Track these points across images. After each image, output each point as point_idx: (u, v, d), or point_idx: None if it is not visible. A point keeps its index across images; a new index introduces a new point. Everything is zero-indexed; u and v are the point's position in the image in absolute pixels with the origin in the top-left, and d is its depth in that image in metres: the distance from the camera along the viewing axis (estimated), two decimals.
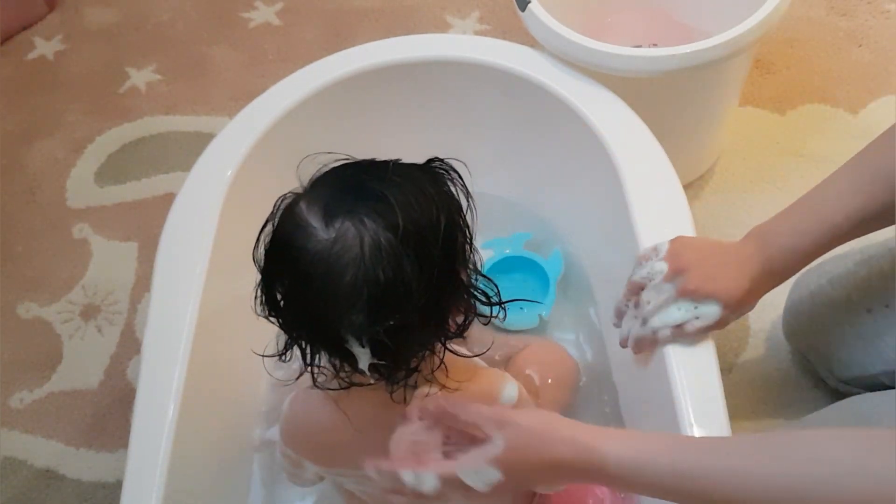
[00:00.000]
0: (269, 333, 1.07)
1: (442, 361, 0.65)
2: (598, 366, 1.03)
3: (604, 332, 1.05)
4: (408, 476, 0.61)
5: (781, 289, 1.05)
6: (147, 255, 1.31)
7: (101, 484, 1.11)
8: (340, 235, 0.57)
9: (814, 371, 1.05)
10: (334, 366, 0.64)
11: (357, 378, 0.64)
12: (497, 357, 0.97)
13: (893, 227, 0.75)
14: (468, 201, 0.64)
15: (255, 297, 0.63)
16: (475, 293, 0.66)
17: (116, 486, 0.90)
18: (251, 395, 0.99)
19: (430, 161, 0.64)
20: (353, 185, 0.60)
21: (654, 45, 1.30)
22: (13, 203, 1.42)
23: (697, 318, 0.74)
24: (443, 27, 1.58)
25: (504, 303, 0.68)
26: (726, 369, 1.11)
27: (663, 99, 1.10)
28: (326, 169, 0.62)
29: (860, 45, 1.46)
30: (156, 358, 0.81)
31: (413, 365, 0.63)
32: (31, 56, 1.64)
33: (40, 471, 1.13)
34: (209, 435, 0.87)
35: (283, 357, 0.66)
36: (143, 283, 1.30)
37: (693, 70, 1.01)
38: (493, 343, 0.76)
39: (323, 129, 1.02)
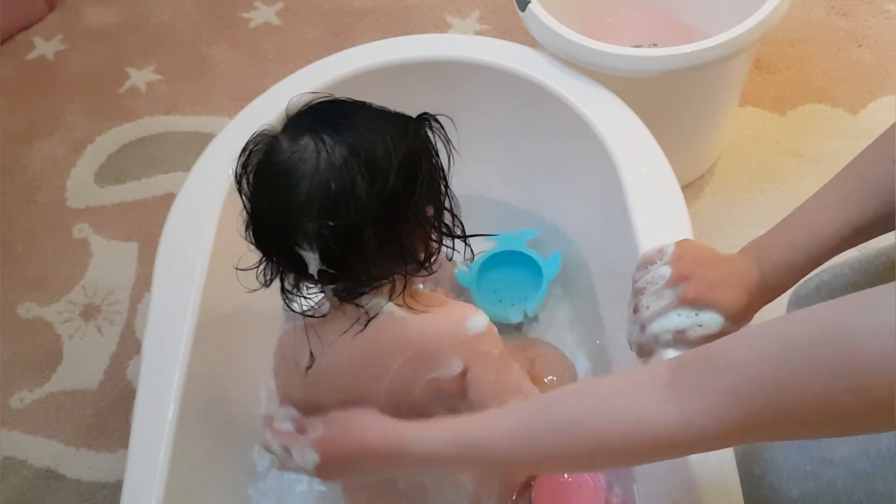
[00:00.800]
0: (270, 334, 1.07)
1: (405, 287, 0.69)
2: (597, 367, 1.03)
3: (604, 332, 1.05)
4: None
5: None
6: (147, 255, 1.32)
7: (101, 484, 1.11)
8: (301, 149, 0.63)
9: None
10: (296, 285, 0.69)
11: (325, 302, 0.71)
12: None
13: (889, 235, 0.75)
14: (448, 152, 0.69)
15: (243, 222, 0.69)
16: (441, 229, 0.70)
17: (116, 486, 0.90)
18: (251, 394, 0.99)
19: (421, 115, 0.70)
20: (324, 112, 0.67)
21: (654, 45, 1.30)
22: (13, 203, 1.42)
23: (700, 325, 0.74)
24: (443, 27, 1.58)
25: (467, 237, 0.72)
26: None
27: (663, 99, 1.10)
28: (310, 104, 0.68)
29: (860, 45, 1.46)
30: (156, 358, 0.81)
31: (367, 284, 0.67)
32: (31, 56, 1.64)
33: (40, 471, 1.13)
34: (209, 435, 0.87)
35: (260, 276, 0.70)
36: (143, 283, 1.30)
37: (693, 70, 1.01)
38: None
39: None
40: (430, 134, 0.69)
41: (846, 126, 1.36)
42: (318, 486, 0.94)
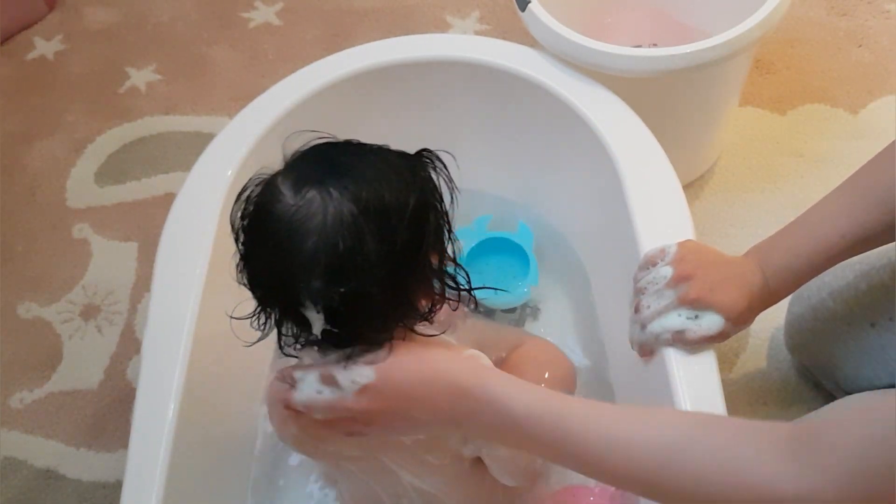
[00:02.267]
0: (271, 334, 1.07)
1: (391, 339, 0.65)
2: (595, 365, 1.03)
3: (603, 332, 1.05)
4: (294, 390, 0.64)
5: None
6: (147, 255, 1.31)
7: (101, 484, 1.11)
8: (306, 203, 0.59)
9: (815, 376, 1.05)
10: (294, 333, 0.66)
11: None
12: (491, 354, 0.97)
13: (888, 243, 0.75)
14: (451, 192, 0.66)
15: (236, 264, 0.65)
16: (445, 279, 0.67)
17: (116, 487, 0.90)
18: (251, 394, 0.99)
19: (420, 151, 0.66)
20: (328, 159, 0.63)
21: (654, 45, 1.30)
22: (13, 203, 1.42)
23: (699, 326, 0.74)
24: (443, 27, 1.58)
25: (473, 289, 0.69)
26: (726, 369, 1.12)
27: (663, 99, 1.10)
28: (311, 145, 0.65)
29: (860, 45, 1.46)
30: (156, 358, 0.81)
31: (372, 341, 0.64)
32: (31, 56, 1.64)
33: (40, 471, 1.13)
34: (209, 435, 0.87)
35: (255, 323, 0.67)
36: (143, 283, 1.30)
37: (693, 70, 1.01)
38: (457, 326, 0.78)
39: (323, 129, 1.02)
40: (432, 173, 0.65)
41: (846, 126, 1.36)
42: (319, 490, 0.94)
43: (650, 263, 0.79)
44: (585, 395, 1.00)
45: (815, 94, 1.40)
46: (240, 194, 0.65)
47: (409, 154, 0.65)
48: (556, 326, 1.09)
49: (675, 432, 0.57)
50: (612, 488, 0.88)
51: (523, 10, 1.06)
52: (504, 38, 1.06)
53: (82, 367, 1.22)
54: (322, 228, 0.59)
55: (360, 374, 0.62)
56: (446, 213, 0.65)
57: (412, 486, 0.76)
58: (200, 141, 1.28)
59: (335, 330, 0.61)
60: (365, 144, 0.65)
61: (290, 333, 0.66)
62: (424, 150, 0.66)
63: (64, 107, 1.55)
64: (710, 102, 1.18)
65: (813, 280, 0.96)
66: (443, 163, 0.66)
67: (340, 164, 0.62)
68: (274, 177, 0.63)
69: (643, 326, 0.76)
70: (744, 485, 0.53)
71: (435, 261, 0.65)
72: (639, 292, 0.79)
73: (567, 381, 0.96)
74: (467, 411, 0.61)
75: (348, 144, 0.65)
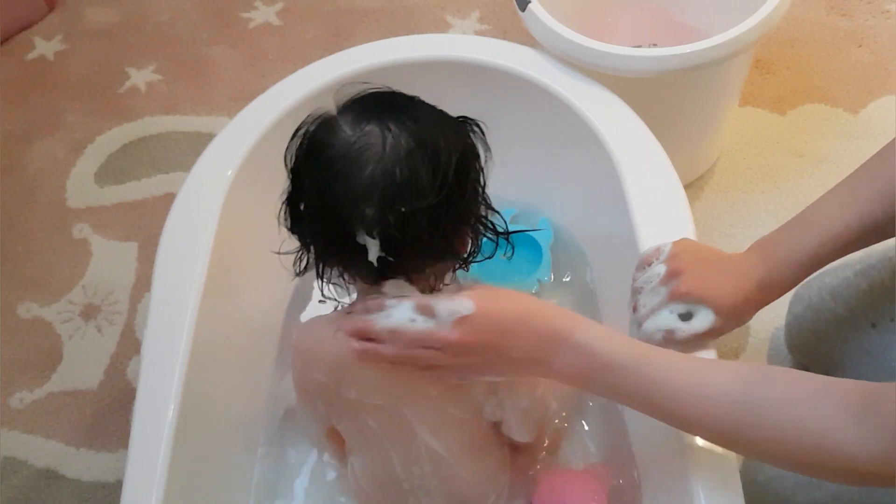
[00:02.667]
0: (271, 333, 1.07)
1: (437, 280, 0.69)
2: None
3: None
4: (381, 316, 0.65)
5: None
6: (147, 255, 1.32)
7: (101, 484, 1.11)
8: (365, 134, 0.63)
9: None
10: (342, 277, 0.69)
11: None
12: None
13: (893, 237, 0.74)
14: (485, 154, 0.70)
15: (281, 208, 0.68)
16: (483, 225, 0.71)
17: (116, 486, 0.90)
18: (251, 394, 0.99)
19: (459, 116, 0.70)
20: (386, 101, 0.67)
21: (654, 45, 1.30)
22: (13, 203, 1.42)
23: (689, 325, 0.74)
24: (443, 27, 1.58)
25: (509, 233, 0.73)
26: None
27: (663, 99, 1.10)
28: (365, 92, 0.68)
29: (860, 45, 1.46)
30: (156, 358, 0.81)
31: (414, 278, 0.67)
32: (31, 56, 1.64)
33: (40, 471, 1.13)
34: (209, 435, 0.87)
35: (297, 266, 0.71)
36: (143, 283, 1.30)
37: (693, 70, 1.01)
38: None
39: None
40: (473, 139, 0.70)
41: (846, 126, 1.36)
42: (318, 490, 0.94)
43: (646, 263, 0.80)
44: (593, 410, 1.00)
45: (815, 94, 1.40)
46: (297, 130, 0.67)
47: (450, 117, 0.70)
48: None
49: (757, 389, 0.59)
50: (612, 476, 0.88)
51: (523, 10, 1.06)
52: (504, 38, 1.06)
53: (82, 367, 1.22)
54: (380, 157, 0.62)
55: (461, 304, 0.64)
56: (482, 171, 0.70)
57: (426, 449, 0.76)
58: (200, 141, 1.28)
59: (390, 258, 0.64)
60: (418, 98, 0.69)
61: (336, 275, 0.69)
62: (463, 116, 0.70)
63: (64, 107, 1.55)
64: (710, 102, 1.18)
65: (813, 280, 0.96)
66: (481, 129, 0.70)
67: (398, 105, 0.67)
68: (329, 115, 0.66)
69: (639, 326, 0.77)
70: (818, 445, 0.55)
71: (475, 208, 0.69)
72: (635, 292, 0.79)
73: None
74: (555, 352, 0.64)
75: (401, 93, 0.69)
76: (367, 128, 0.64)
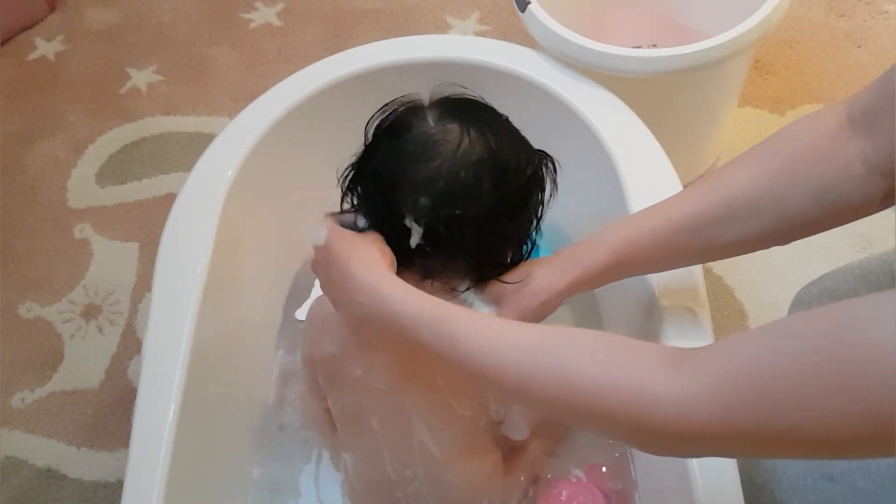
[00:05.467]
0: (271, 333, 1.07)
1: (474, 283, 0.72)
2: None
3: (604, 329, 1.05)
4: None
5: (783, 290, 1.06)
6: (148, 256, 1.32)
7: (102, 483, 1.11)
8: (446, 131, 0.66)
9: None
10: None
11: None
12: None
13: (890, 241, 0.74)
14: (552, 190, 0.74)
15: (345, 169, 0.71)
16: (521, 253, 0.74)
17: (117, 486, 0.90)
18: (252, 395, 1.00)
19: (539, 152, 0.73)
20: (476, 109, 0.70)
21: (654, 45, 1.30)
22: (14, 203, 1.43)
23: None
24: (443, 28, 1.58)
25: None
26: None
27: (663, 99, 1.10)
28: (460, 95, 0.71)
29: (859, 46, 1.46)
30: (157, 358, 0.81)
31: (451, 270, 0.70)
32: (32, 57, 1.64)
33: (41, 470, 1.13)
34: (209, 435, 0.87)
35: (345, 200, 0.72)
36: (143, 283, 1.30)
37: (693, 70, 1.01)
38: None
39: (323, 129, 1.02)
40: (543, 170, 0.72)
41: None
42: (319, 489, 0.94)
43: None
44: None
45: (815, 94, 1.41)
46: (385, 106, 0.70)
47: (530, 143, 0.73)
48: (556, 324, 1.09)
49: (554, 339, 0.55)
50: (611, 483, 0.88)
51: (523, 10, 1.06)
52: (504, 39, 1.07)
53: (83, 366, 1.22)
54: (452, 155, 0.65)
55: (318, 235, 0.68)
56: (543, 204, 0.73)
57: (420, 447, 0.76)
58: (201, 141, 1.28)
59: (427, 248, 0.67)
60: (504, 116, 0.72)
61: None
62: (542, 150, 0.73)
63: (65, 107, 1.55)
64: (709, 102, 1.18)
65: (813, 284, 0.96)
66: (555, 167, 0.73)
67: (485, 116, 0.69)
68: (419, 106, 0.69)
69: None
70: (618, 386, 0.49)
71: (522, 234, 0.72)
72: None
73: None
74: (359, 301, 0.64)
75: (492, 108, 0.72)
76: (449, 125, 0.67)
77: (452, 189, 0.65)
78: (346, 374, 0.76)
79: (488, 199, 0.66)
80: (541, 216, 0.73)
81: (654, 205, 0.72)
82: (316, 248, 0.69)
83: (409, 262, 0.69)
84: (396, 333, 0.62)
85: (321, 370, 0.78)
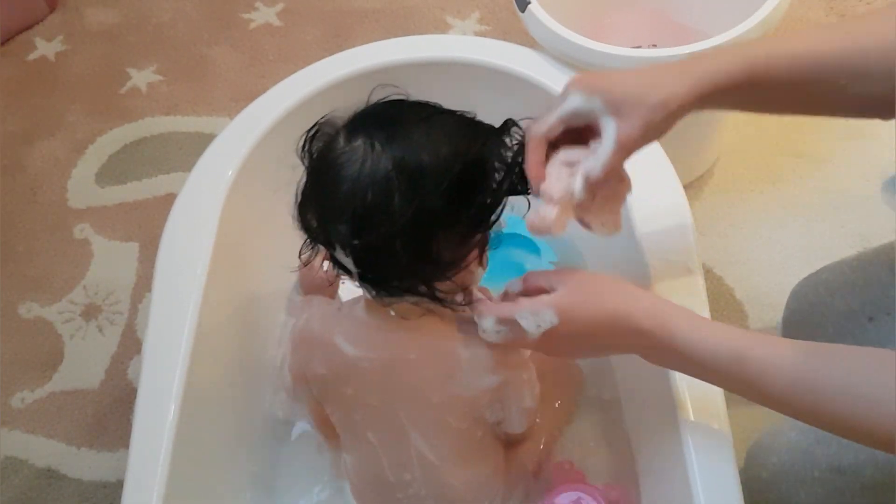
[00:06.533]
0: (271, 333, 1.07)
1: (436, 298, 0.66)
2: (597, 366, 1.03)
3: None
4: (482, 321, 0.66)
5: (783, 290, 1.05)
6: (148, 256, 1.32)
7: (102, 483, 1.11)
8: (352, 150, 0.62)
9: None
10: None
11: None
12: None
13: (888, 234, 0.74)
14: (515, 161, 0.67)
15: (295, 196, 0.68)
16: (480, 252, 0.68)
17: (117, 486, 0.90)
18: (252, 395, 0.99)
19: (505, 123, 0.68)
20: (387, 115, 0.65)
21: (654, 45, 1.30)
22: (14, 203, 1.43)
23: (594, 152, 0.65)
24: (443, 28, 1.58)
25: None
26: None
27: None
28: (384, 100, 0.67)
29: None
30: (157, 358, 0.81)
31: (401, 286, 0.66)
32: (32, 56, 1.64)
33: (41, 470, 1.13)
34: (210, 435, 0.87)
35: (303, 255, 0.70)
36: (143, 284, 1.30)
37: None
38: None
39: None
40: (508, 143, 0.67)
41: (845, 126, 1.36)
42: (319, 489, 0.94)
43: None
44: (587, 395, 1.00)
45: None
46: (308, 130, 0.67)
47: (486, 125, 0.67)
48: None
49: (859, 378, 0.56)
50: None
51: (523, 10, 1.06)
52: (504, 39, 1.07)
53: (83, 366, 1.22)
54: (356, 177, 0.61)
55: (544, 318, 0.63)
56: (506, 187, 0.66)
57: (418, 455, 0.76)
58: (201, 141, 1.28)
59: (369, 275, 0.65)
60: (434, 108, 0.67)
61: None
62: (510, 120, 0.68)
63: (65, 107, 1.55)
64: None
65: (810, 276, 0.96)
66: (518, 126, 0.68)
67: (396, 121, 0.64)
68: (339, 119, 0.66)
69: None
70: None
71: (480, 230, 0.66)
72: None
73: (575, 387, 0.95)
74: (648, 347, 0.64)
75: (418, 105, 0.67)
76: (355, 143, 0.62)
77: (362, 213, 0.61)
78: (338, 392, 0.76)
79: (403, 213, 0.60)
80: (500, 203, 0.66)
81: (790, 35, 0.66)
82: (541, 336, 0.64)
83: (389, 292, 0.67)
84: (691, 370, 0.63)
85: (313, 387, 0.78)
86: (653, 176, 0.90)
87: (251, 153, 0.96)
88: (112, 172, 1.45)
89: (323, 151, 0.65)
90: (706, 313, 0.79)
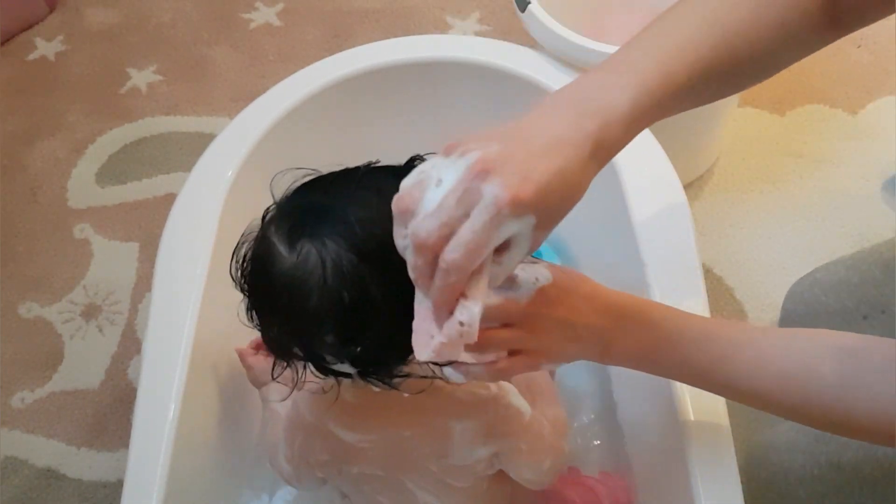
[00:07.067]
0: None
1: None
2: (596, 365, 1.03)
3: None
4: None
5: (783, 291, 1.05)
6: (148, 255, 1.32)
7: (102, 483, 1.11)
8: (303, 259, 0.57)
9: None
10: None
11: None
12: None
13: (883, 233, 0.74)
14: None
15: (247, 310, 0.64)
16: None
17: (117, 486, 0.90)
18: (252, 395, 0.99)
19: (411, 160, 0.62)
20: (316, 204, 0.60)
21: None
22: (14, 203, 1.43)
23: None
24: (443, 28, 1.58)
25: None
26: None
27: None
28: (297, 185, 0.62)
29: (859, 46, 1.46)
30: (157, 358, 0.81)
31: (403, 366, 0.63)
32: (32, 57, 1.64)
33: (41, 470, 1.13)
34: (209, 435, 0.87)
35: (275, 376, 0.66)
36: (143, 283, 1.30)
37: None
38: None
39: (323, 129, 1.02)
40: None
41: (845, 126, 1.37)
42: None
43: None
44: (585, 393, 1.00)
45: (815, 94, 1.41)
46: (235, 251, 0.63)
47: (399, 169, 0.61)
48: None
49: (849, 363, 0.55)
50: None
51: (523, 10, 1.06)
52: (504, 39, 1.07)
53: (83, 366, 1.22)
54: (323, 285, 0.56)
55: (541, 273, 0.58)
56: None
57: None
58: (201, 141, 1.28)
59: (371, 371, 0.61)
60: (351, 174, 0.62)
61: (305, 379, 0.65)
62: (416, 157, 0.61)
63: (65, 107, 1.55)
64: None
65: (805, 277, 0.96)
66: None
67: (330, 207, 0.59)
68: (267, 229, 0.60)
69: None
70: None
71: None
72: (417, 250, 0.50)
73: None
74: (622, 328, 0.60)
75: (335, 180, 0.62)
76: (303, 249, 0.57)
77: (344, 317, 0.57)
78: (343, 471, 0.75)
79: (385, 297, 0.56)
80: None
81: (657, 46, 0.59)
82: (536, 293, 0.56)
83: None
84: (658, 352, 0.60)
85: (318, 471, 0.77)
86: (653, 176, 0.90)
87: (251, 153, 0.96)
88: (112, 172, 1.45)
89: (270, 273, 0.58)
90: (706, 313, 0.79)
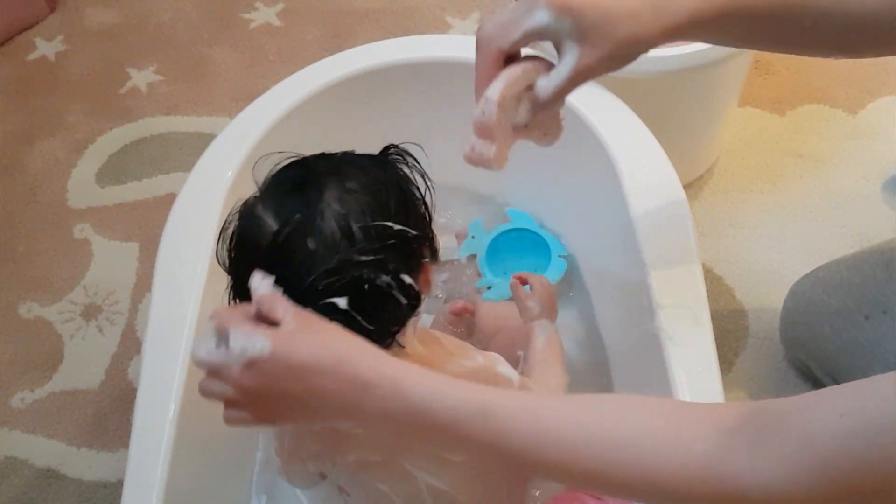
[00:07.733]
0: None
1: (394, 335, 0.64)
2: (594, 367, 1.04)
3: (602, 332, 1.05)
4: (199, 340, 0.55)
5: (783, 291, 1.06)
6: (148, 256, 1.32)
7: (102, 483, 1.11)
8: (291, 227, 0.59)
9: (812, 372, 1.06)
10: None
11: None
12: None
13: (885, 233, 0.74)
14: (426, 183, 0.66)
15: (229, 291, 0.65)
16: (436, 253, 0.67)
17: (117, 486, 0.90)
18: None
19: (386, 149, 0.66)
20: (302, 181, 0.63)
21: None
22: (14, 203, 1.43)
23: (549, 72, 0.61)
24: (443, 28, 1.58)
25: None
26: (726, 368, 1.12)
27: (663, 99, 1.10)
28: (280, 167, 0.65)
29: None
30: (157, 358, 0.82)
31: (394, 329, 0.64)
32: (32, 56, 1.64)
33: (41, 470, 1.13)
34: (210, 435, 0.87)
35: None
36: (143, 284, 1.30)
37: (693, 70, 1.01)
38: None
39: (323, 129, 1.02)
40: (408, 172, 0.66)
41: (845, 126, 1.37)
42: (320, 489, 0.94)
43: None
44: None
45: (815, 94, 1.41)
46: (221, 232, 0.64)
47: (375, 155, 0.66)
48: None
49: (621, 425, 0.51)
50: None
51: None
52: None
53: (83, 366, 1.22)
54: (313, 250, 0.59)
55: (255, 343, 0.52)
56: (425, 203, 0.66)
57: (428, 487, 0.75)
58: (201, 141, 1.28)
59: (370, 327, 0.61)
60: (332, 156, 0.65)
61: None
62: (391, 146, 0.66)
63: (65, 107, 1.55)
64: (709, 102, 1.18)
65: (807, 275, 0.96)
66: (413, 157, 0.66)
67: (313, 183, 0.62)
68: (254, 207, 0.62)
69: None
70: (702, 477, 0.47)
71: (426, 250, 0.66)
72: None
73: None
74: (364, 400, 0.52)
75: (316, 161, 0.65)
76: (291, 218, 0.59)
77: (333, 275, 0.58)
78: (339, 461, 0.74)
79: (376, 250, 0.59)
80: (430, 214, 0.66)
81: None
82: (246, 364, 0.52)
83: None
84: (426, 433, 0.53)
85: (311, 465, 0.76)
86: (653, 176, 0.90)
87: (251, 153, 0.96)
88: (112, 172, 1.45)
89: (260, 242, 0.60)
90: (706, 313, 0.79)
